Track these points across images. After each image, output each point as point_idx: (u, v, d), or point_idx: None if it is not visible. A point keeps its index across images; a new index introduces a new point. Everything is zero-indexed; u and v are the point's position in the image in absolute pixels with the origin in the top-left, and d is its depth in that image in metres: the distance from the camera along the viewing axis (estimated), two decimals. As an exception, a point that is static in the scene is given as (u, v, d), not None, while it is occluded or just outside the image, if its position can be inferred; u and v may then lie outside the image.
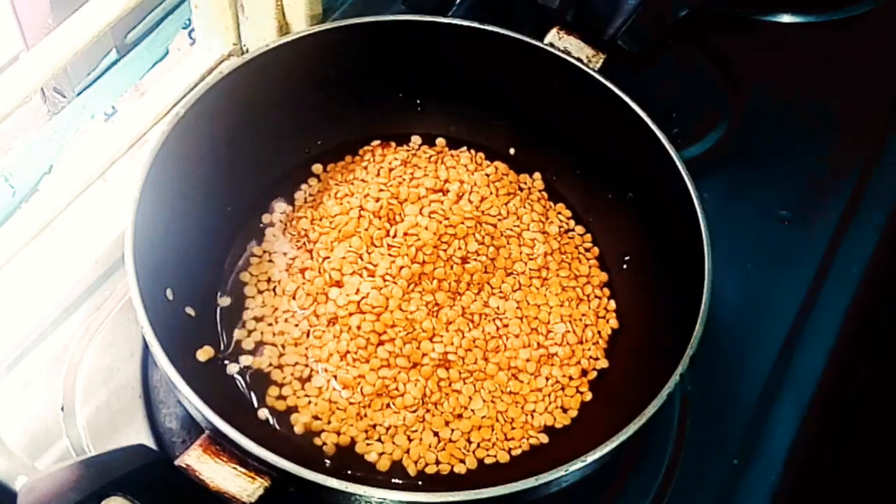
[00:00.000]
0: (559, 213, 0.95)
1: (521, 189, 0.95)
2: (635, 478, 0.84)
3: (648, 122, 0.84)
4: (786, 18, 1.16)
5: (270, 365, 0.82)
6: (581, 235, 0.93)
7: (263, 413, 0.81)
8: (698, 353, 0.72)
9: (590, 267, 0.91)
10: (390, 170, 0.94)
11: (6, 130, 0.88)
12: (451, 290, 0.86)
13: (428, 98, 0.95)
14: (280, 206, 0.92)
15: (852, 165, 1.06)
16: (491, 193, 0.93)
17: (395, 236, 0.88)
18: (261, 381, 0.82)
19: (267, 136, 0.89)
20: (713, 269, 0.76)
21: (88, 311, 0.86)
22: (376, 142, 0.96)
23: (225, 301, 0.85)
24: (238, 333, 0.84)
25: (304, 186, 0.93)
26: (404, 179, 0.93)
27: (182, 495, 0.64)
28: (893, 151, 1.07)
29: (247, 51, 0.97)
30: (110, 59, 0.95)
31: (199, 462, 0.65)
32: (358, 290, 0.85)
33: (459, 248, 0.88)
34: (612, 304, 0.89)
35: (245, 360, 0.82)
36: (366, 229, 0.88)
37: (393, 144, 0.96)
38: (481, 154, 0.96)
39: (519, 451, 0.81)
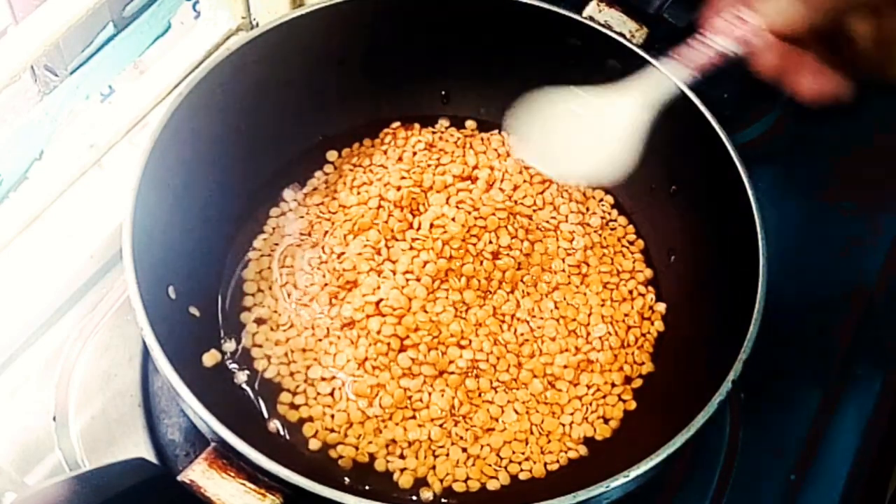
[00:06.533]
0: (600, 201, 0.94)
1: (557, 176, 0.95)
2: (683, 495, 0.85)
3: (696, 102, 0.83)
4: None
5: (280, 373, 0.82)
6: (624, 227, 0.93)
7: (274, 424, 0.80)
8: (752, 358, 0.71)
9: (633, 262, 0.91)
10: (413, 155, 0.93)
11: (-7, 112, 0.87)
12: (481, 288, 0.86)
13: (456, 77, 0.95)
14: (291, 196, 0.91)
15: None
16: (524, 181, 0.92)
17: (418, 229, 0.87)
18: (271, 390, 0.82)
19: (278, 119, 0.89)
20: (768, 265, 0.75)
21: (83, 312, 0.87)
22: (397, 124, 0.95)
23: (232, 300, 0.85)
24: (247, 336, 0.83)
25: (317, 174, 0.93)
26: (429, 165, 0.92)
27: (185, 514, 0.64)
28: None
29: (256, 25, 0.97)
30: (107, 33, 0.95)
31: (205, 477, 0.65)
32: (376, 289, 0.84)
33: (490, 242, 0.87)
34: (659, 304, 0.89)
35: (254, 365, 0.82)
36: (385, 221, 0.87)
37: (416, 126, 0.95)
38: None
39: (556, 466, 0.81)
